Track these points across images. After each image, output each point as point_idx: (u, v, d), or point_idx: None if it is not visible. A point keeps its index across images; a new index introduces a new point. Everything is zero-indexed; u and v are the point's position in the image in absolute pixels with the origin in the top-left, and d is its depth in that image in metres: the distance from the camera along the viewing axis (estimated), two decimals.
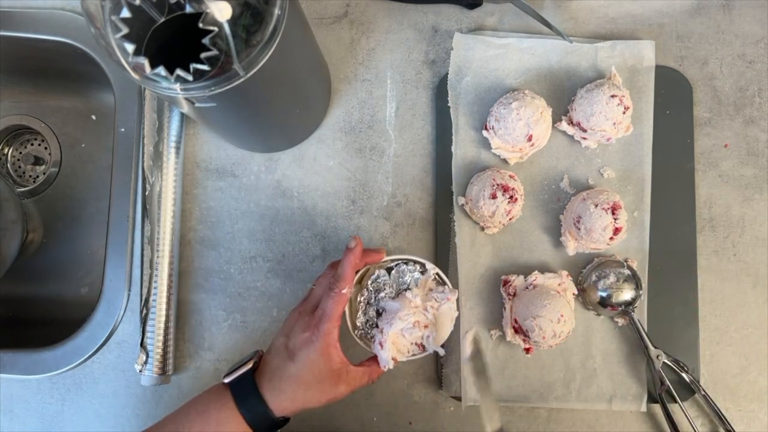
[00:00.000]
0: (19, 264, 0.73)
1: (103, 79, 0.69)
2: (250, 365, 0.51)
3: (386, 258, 0.56)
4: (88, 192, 0.81)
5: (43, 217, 0.81)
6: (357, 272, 0.55)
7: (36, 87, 0.81)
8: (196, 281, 0.67)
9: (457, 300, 0.56)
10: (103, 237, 0.67)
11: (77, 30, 0.68)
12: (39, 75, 0.79)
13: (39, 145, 0.83)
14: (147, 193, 0.65)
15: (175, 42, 0.44)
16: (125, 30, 0.38)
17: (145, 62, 0.38)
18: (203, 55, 0.38)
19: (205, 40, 0.38)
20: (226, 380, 0.50)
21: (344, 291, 0.51)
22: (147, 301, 0.64)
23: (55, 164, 0.81)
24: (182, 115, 0.66)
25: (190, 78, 0.39)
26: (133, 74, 0.41)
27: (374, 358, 0.54)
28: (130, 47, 0.38)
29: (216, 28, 0.38)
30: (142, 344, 0.63)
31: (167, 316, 0.64)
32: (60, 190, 0.81)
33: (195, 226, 0.67)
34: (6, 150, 0.83)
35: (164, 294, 0.64)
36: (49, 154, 0.82)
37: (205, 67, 0.39)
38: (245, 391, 0.49)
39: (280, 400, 0.48)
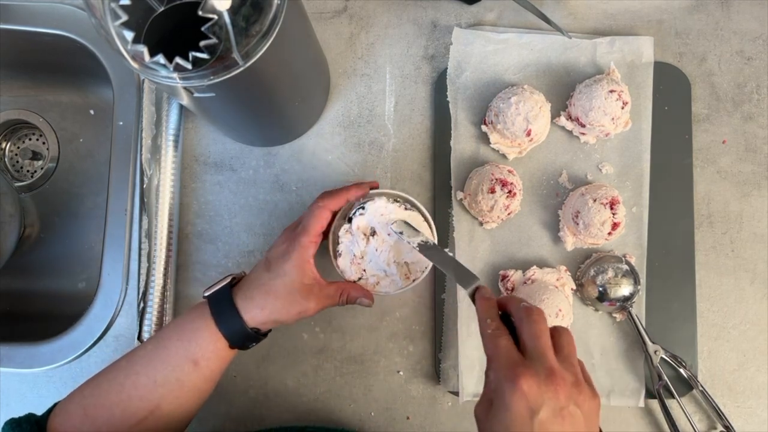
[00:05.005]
0: (16, 258, 0.73)
1: (101, 73, 0.68)
2: (228, 279, 0.52)
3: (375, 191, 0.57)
4: (86, 187, 0.80)
5: (40, 212, 0.80)
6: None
7: (34, 81, 0.81)
8: (194, 275, 0.67)
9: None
10: (101, 232, 0.67)
11: (76, 23, 0.68)
12: (37, 69, 0.79)
13: (37, 140, 0.83)
14: (145, 187, 0.65)
15: (174, 33, 0.44)
16: (124, 17, 0.38)
17: (144, 50, 0.38)
18: (202, 43, 0.38)
19: (205, 28, 0.38)
20: (205, 294, 0.51)
21: (322, 205, 0.51)
22: (144, 294, 0.64)
23: (53, 159, 0.81)
24: (181, 108, 0.66)
25: (189, 66, 0.39)
26: (132, 63, 0.41)
27: (351, 283, 0.54)
28: (129, 35, 0.38)
29: (215, 17, 0.38)
30: (139, 338, 0.63)
31: (164, 309, 0.64)
32: (58, 185, 0.81)
33: (193, 219, 0.67)
34: (4, 145, 0.83)
35: (161, 288, 0.64)
36: (47, 148, 0.81)
37: (204, 56, 0.39)
38: (220, 302, 0.50)
39: (250, 308, 0.49)
